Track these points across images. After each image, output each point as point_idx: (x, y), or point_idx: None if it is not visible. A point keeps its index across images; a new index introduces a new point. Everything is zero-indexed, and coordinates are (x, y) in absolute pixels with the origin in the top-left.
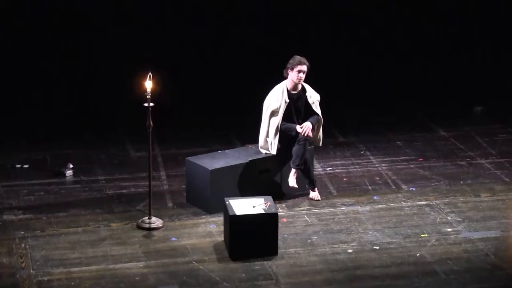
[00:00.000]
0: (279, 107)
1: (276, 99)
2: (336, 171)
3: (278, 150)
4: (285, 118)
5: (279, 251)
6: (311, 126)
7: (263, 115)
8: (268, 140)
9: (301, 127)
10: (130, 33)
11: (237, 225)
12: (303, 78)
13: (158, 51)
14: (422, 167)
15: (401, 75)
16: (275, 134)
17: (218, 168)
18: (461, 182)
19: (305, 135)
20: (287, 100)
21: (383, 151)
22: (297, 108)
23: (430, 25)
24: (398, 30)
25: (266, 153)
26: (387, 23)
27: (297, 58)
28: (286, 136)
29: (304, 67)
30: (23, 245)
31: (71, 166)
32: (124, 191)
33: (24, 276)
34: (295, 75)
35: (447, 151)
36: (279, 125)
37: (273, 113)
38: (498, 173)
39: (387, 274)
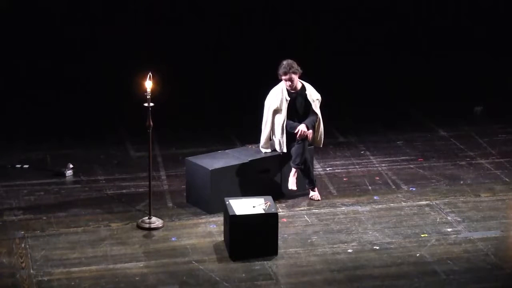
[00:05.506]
0: (281, 105)
1: (276, 97)
2: (336, 171)
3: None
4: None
5: (279, 251)
6: (305, 129)
7: (265, 115)
8: (275, 140)
9: (296, 131)
10: (130, 32)
11: (237, 225)
12: (293, 85)
13: (158, 51)
14: (422, 167)
15: (401, 74)
16: (282, 133)
17: (218, 168)
18: (461, 182)
19: (301, 138)
20: (288, 98)
21: (383, 151)
22: (296, 106)
23: (430, 25)
24: (398, 30)
25: (266, 152)
26: (388, 22)
27: (282, 66)
28: (289, 134)
29: (288, 76)
30: (23, 245)
31: (71, 166)
32: (124, 191)
33: (24, 276)
34: (284, 83)
35: (447, 151)
36: (285, 123)
37: (276, 112)
38: (498, 173)
39: (387, 274)
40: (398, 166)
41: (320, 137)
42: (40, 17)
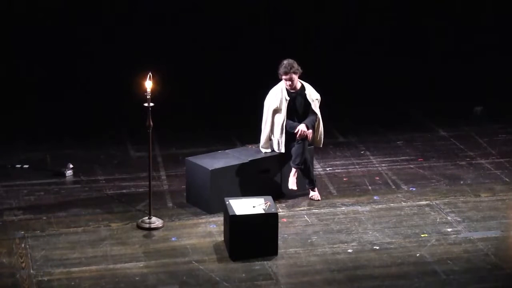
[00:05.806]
0: (281, 106)
1: (276, 97)
2: (336, 171)
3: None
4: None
5: (279, 251)
6: (305, 129)
7: (265, 115)
8: (273, 140)
9: (296, 131)
10: (131, 33)
11: (237, 225)
12: (293, 85)
13: (158, 51)
14: (422, 167)
15: (401, 75)
16: (281, 133)
17: (218, 168)
18: (461, 182)
19: (301, 138)
20: (287, 98)
21: (383, 151)
22: (296, 106)
23: (430, 25)
24: (398, 30)
25: (266, 152)
26: (388, 23)
27: (282, 66)
28: (289, 134)
29: (289, 76)
30: (23, 245)
31: (71, 166)
32: (124, 191)
33: (24, 276)
34: (284, 83)
35: (447, 151)
36: (284, 123)
37: (276, 112)
38: (498, 173)
39: (387, 274)
40: (398, 166)
41: (320, 137)
42: (41, 17)
